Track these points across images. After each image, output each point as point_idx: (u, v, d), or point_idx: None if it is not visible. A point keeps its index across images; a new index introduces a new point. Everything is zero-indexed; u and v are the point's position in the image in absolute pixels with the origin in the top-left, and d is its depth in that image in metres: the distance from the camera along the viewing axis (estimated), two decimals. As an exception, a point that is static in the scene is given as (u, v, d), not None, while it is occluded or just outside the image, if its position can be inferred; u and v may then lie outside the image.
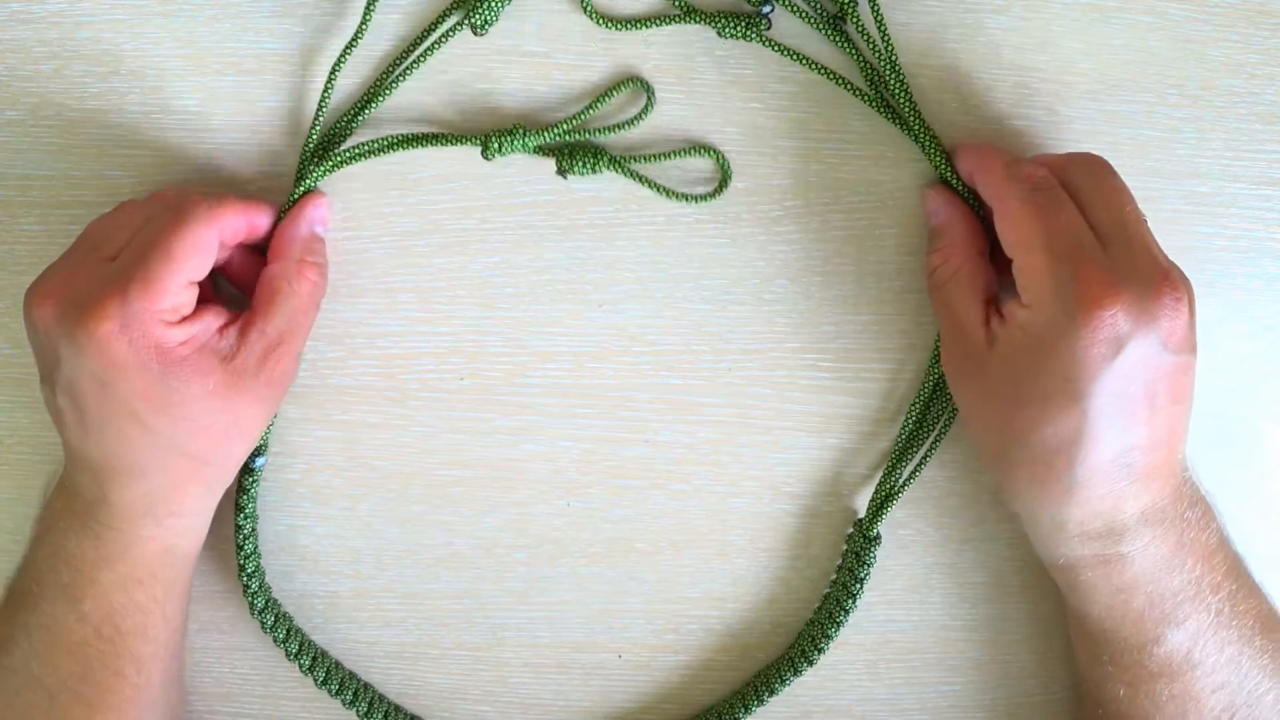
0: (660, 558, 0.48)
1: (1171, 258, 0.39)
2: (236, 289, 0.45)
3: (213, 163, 0.45)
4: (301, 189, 0.44)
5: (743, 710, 0.47)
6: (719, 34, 0.44)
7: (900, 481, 0.46)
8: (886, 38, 0.44)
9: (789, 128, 0.45)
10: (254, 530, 0.46)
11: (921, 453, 0.46)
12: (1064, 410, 0.38)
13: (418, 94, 0.45)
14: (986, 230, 0.43)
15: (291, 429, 0.46)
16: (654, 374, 0.46)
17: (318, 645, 0.47)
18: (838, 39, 0.44)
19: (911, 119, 0.44)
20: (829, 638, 0.46)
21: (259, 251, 0.44)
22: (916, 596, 0.48)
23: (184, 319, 0.40)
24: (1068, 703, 0.48)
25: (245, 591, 0.46)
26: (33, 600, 0.41)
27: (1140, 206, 0.40)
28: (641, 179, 0.45)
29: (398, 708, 0.48)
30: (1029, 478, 0.40)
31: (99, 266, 0.40)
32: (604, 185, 0.45)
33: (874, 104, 0.44)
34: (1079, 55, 0.45)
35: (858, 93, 0.44)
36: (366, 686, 0.48)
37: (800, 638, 0.48)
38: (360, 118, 0.45)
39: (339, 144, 0.45)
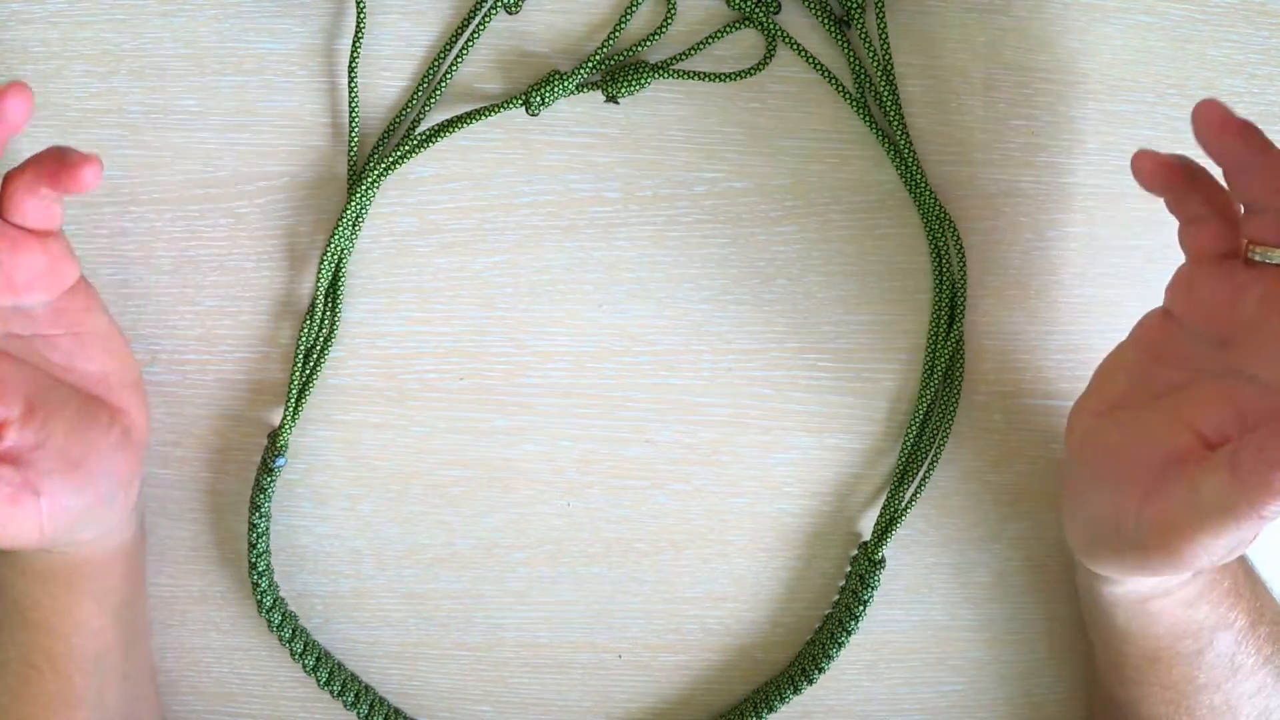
0: (660, 558, 0.48)
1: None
2: None
3: (213, 162, 0.45)
4: (363, 189, 0.44)
5: None
6: (728, 4, 0.44)
7: (905, 502, 0.46)
8: (886, 45, 0.44)
9: (789, 128, 0.45)
10: (267, 529, 0.46)
11: (924, 470, 0.46)
12: None
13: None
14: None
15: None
16: (654, 374, 0.46)
17: (321, 646, 0.47)
18: (839, 40, 0.44)
19: (898, 134, 0.44)
20: (830, 657, 0.46)
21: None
22: (916, 596, 0.48)
23: None
24: (1069, 703, 0.48)
25: (254, 590, 0.45)
26: None
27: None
28: (691, 74, 0.44)
29: (398, 711, 0.48)
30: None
31: None
32: (604, 185, 0.45)
33: (859, 110, 0.44)
34: (1079, 55, 0.45)
35: (846, 96, 0.44)
36: (368, 689, 0.48)
37: (801, 656, 0.48)
38: (429, 104, 0.44)
39: (388, 140, 0.45)
